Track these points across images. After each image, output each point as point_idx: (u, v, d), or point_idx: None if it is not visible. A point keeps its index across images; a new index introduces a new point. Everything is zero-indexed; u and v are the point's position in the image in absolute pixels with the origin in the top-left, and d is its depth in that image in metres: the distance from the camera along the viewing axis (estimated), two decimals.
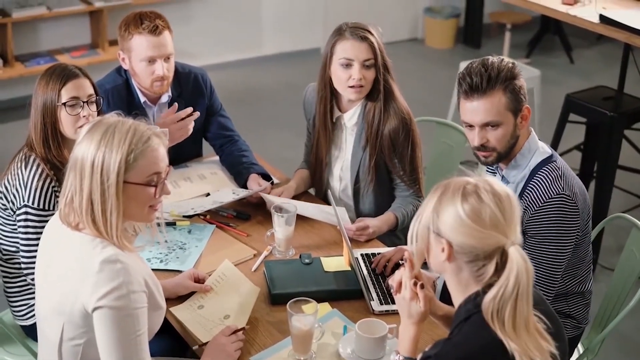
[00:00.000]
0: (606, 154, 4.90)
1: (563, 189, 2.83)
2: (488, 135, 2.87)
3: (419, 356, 2.22)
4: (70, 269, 2.36)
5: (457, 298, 2.22)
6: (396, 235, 3.56)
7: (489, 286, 2.11)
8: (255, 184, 3.59)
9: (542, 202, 2.82)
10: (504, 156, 2.91)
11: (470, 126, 2.89)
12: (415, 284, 2.34)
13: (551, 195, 2.82)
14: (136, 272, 2.35)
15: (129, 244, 2.40)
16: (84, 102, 3.07)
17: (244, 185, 3.66)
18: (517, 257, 2.08)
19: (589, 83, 6.73)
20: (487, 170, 3.15)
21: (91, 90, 3.11)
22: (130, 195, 2.35)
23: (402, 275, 2.37)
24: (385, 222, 3.43)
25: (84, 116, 3.05)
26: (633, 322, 4.36)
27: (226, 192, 3.61)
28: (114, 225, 2.33)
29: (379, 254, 3.17)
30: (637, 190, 5.32)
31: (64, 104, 3.04)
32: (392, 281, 2.41)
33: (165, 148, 2.43)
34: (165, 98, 3.70)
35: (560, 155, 5.28)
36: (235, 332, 2.68)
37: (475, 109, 2.85)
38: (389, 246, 3.34)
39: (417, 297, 2.33)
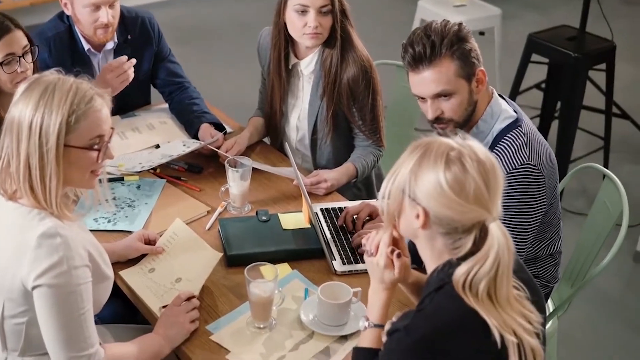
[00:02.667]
0: (570, 95, 4.81)
1: (528, 158, 2.64)
2: (442, 106, 2.66)
3: (386, 327, 2.07)
4: (5, 242, 2.19)
5: (430, 264, 2.07)
6: (357, 186, 3.42)
7: (463, 257, 1.97)
8: (208, 134, 3.42)
9: (506, 172, 2.62)
10: (462, 125, 2.70)
11: (422, 98, 2.69)
12: (392, 251, 2.17)
13: (515, 165, 2.64)
14: (77, 244, 2.17)
15: (70, 213, 2.23)
16: (19, 56, 2.90)
17: (195, 136, 3.48)
18: (498, 233, 1.93)
19: (548, 19, 6.60)
20: None
21: (25, 41, 2.93)
22: (71, 160, 2.17)
23: (379, 240, 2.19)
24: (345, 174, 3.28)
25: (21, 72, 2.89)
26: (604, 273, 4.26)
27: (176, 144, 3.41)
28: (53, 192, 2.16)
29: (339, 208, 3.02)
30: (599, 131, 5.21)
31: (0, 64, 2.86)
32: (366, 240, 2.21)
33: (109, 109, 2.25)
34: (110, 45, 3.50)
35: (520, 93, 5.27)
36: (188, 299, 2.52)
37: (424, 81, 2.64)
38: (350, 199, 3.19)
39: (393, 266, 2.17)
